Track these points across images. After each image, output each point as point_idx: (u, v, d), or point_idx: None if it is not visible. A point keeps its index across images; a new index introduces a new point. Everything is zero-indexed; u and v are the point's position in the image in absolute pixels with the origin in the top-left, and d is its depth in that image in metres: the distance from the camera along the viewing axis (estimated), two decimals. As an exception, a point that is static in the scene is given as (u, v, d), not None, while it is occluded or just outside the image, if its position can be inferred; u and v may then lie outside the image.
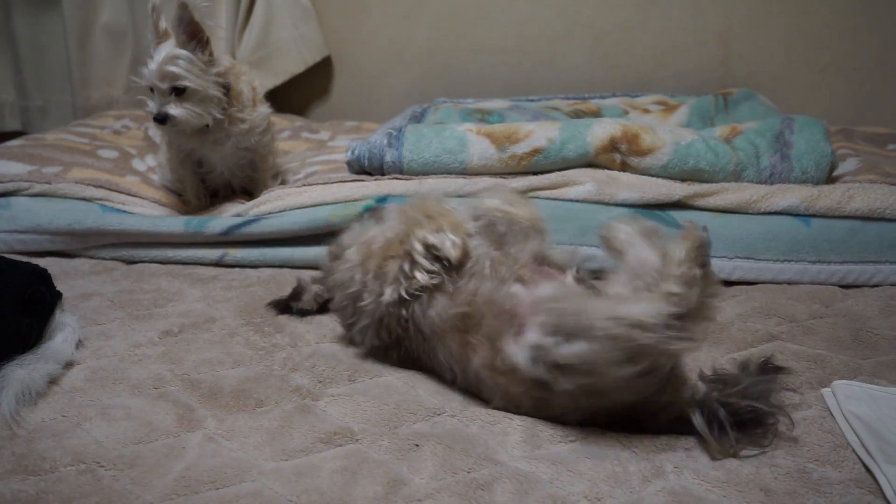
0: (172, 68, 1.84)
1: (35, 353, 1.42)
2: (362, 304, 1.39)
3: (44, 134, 2.53)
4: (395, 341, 1.39)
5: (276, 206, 1.93)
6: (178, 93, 1.86)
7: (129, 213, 1.99)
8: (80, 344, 1.51)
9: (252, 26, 2.95)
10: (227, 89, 1.94)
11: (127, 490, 1.10)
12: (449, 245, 1.31)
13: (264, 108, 2.07)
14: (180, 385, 1.37)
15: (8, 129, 3.26)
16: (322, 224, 1.86)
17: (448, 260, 1.31)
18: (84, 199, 2.01)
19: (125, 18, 3.05)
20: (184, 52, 1.85)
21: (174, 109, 1.85)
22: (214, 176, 2.14)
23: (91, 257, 1.99)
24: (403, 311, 1.34)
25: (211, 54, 1.90)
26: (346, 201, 1.89)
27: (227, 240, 1.92)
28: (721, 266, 1.77)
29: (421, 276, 1.31)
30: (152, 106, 1.88)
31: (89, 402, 1.32)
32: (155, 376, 1.40)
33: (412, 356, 1.39)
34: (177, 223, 1.93)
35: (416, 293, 1.32)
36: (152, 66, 1.85)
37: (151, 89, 1.89)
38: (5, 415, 1.26)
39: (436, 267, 1.31)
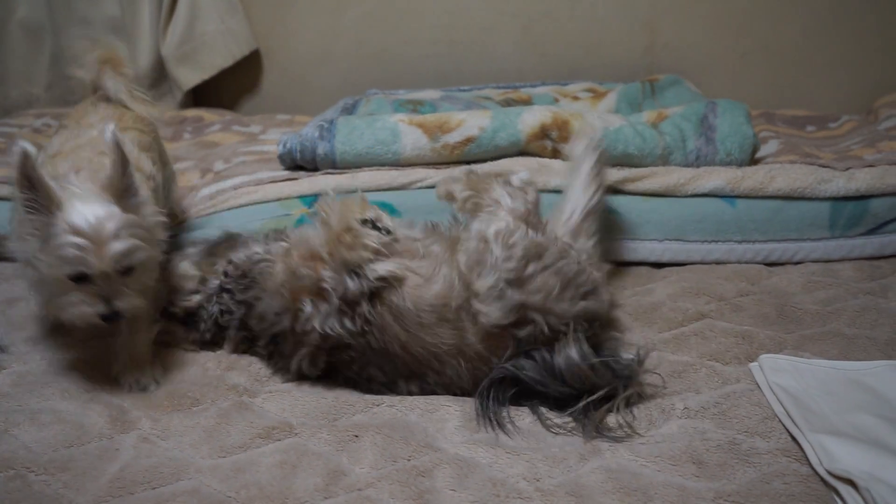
0: (121, 246, 1.22)
1: (-42, 361, 1.37)
2: (300, 323, 1.32)
3: (-41, 134, 2.44)
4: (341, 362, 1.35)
5: (205, 209, 1.89)
6: (128, 272, 1.26)
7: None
8: (5, 349, 1.46)
9: (176, 20, 2.88)
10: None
11: (59, 494, 1.08)
12: (385, 216, 1.38)
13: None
14: (112, 388, 1.34)
15: (-79, 130, 3.12)
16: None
17: (386, 229, 1.36)
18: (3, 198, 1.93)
19: (42, 14, 2.94)
20: (127, 217, 1.25)
21: (126, 301, 1.26)
22: None
23: (15, 260, 1.92)
24: (366, 307, 1.30)
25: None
26: (277, 199, 1.87)
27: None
28: (652, 248, 1.81)
29: (370, 240, 1.32)
30: (90, 306, 1.25)
31: (17, 407, 1.29)
32: (85, 380, 1.36)
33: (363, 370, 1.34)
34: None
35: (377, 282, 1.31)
36: (88, 250, 1.20)
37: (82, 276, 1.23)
38: (-73, 425, 1.21)
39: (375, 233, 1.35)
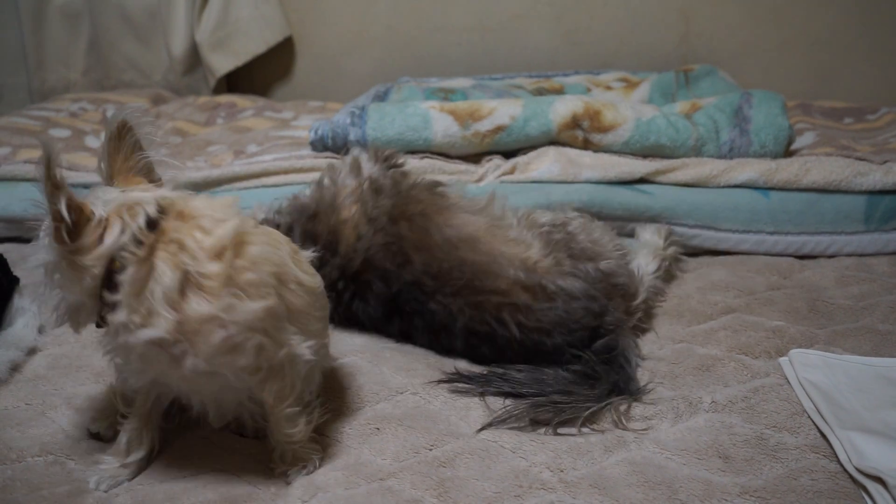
0: None
1: (-5, 341, 1.40)
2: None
3: (-3, 118, 2.48)
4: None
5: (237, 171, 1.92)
6: None
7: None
8: (41, 329, 1.49)
9: (211, 7, 2.90)
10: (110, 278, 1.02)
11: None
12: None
13: (208, 307, 0.99)
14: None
15: (-38, 113, 3.19)
16: None
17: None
18: (34, 179, 1.95)
19: (80, 0, 2.99)
20: None
21: None
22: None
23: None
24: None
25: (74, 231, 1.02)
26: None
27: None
28: (682, 232, 1.80)
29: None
30: None
31: (53, 390, 1.31)
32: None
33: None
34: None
35: None
36: None
37: None
38: (-34, 404, 1.24)
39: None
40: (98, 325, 1.06)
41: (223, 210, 1.05)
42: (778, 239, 1.79)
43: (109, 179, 1.08)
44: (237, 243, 1.01)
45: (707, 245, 1.81)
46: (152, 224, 1.01)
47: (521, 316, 1.32)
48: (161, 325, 0.98)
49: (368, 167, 1.52)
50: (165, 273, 0.98)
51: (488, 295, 1.34)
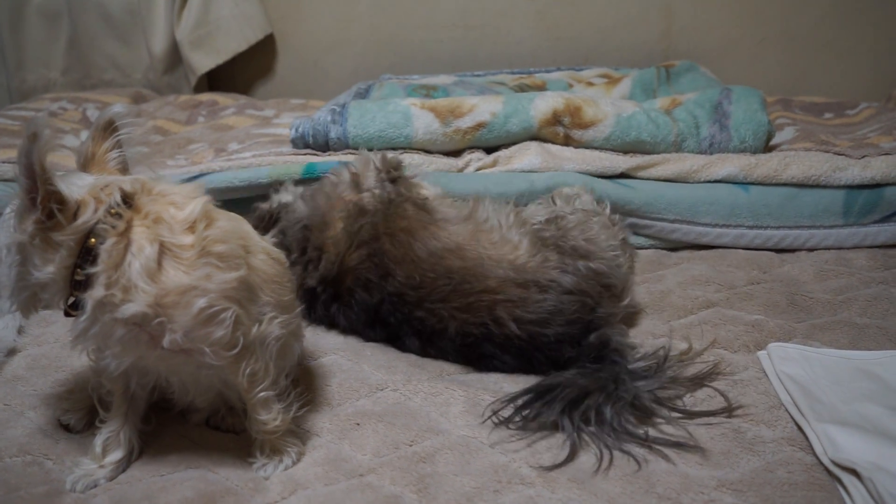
0: None
1: (-27, 343, 1.40)
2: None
3: (-24, 118, 2.46)
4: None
5: (214, 167, 1.91)
6: None
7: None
8: (20, 330, 1.48)
9: (191, 5, 2.88)
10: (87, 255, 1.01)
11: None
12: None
13: (185, 277, 1.01)
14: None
15: (-59, 113, 3.16)
16: (264, 180, 1.82)
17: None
18: (10, 180, 1.94)
19: (60, -1, 2.97)
20: None
21: None
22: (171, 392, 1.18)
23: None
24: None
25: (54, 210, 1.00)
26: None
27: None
28: (661, 227, 1.81)
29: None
30: None
31: (32, 391, 1.31)
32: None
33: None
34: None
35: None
36: None
37: None
38: (-57, 405, 1.23)
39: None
40: (67, 314, 1.05)
41: (191, 191, 1.08)
42: (758, 233, 1.80)
43: (84, 167, 1.10)
44: (206, 218, 1.05)
45: (687, 239, 1.82)
46: (127, 201, 1.03)
47: (518, 309, 1.31)
48: (141, 299, 0.99)
49: (370, 180, 1.52)
50: (143, 245, 1.00)
51: (479, 295, 1.33)
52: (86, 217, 1.00)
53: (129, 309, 0.99)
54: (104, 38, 3.01)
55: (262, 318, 1.09)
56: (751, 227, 1.80)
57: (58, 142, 1.07)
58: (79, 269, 1.01)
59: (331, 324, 1.49)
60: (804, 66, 2.75)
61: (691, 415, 1.20)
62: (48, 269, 1.01)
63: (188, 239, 1.02)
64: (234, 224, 1.11)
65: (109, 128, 1.11)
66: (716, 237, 1.81)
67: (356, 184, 1.52)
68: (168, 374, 1.10)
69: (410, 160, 1.92)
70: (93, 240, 1.00)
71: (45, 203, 0.98)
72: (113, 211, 1.01)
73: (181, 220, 1.03)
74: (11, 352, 1.42)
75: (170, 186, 1.08)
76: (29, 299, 1.07)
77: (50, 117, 2.45)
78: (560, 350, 1.31)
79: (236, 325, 1.03)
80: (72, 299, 1.03)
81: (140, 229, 1.01)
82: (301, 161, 1.88)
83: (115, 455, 1.11)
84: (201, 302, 1.00)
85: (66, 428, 1.21)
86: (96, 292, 1.00)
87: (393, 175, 1.53)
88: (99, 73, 3.07)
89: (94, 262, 1.00)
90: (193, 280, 1.01)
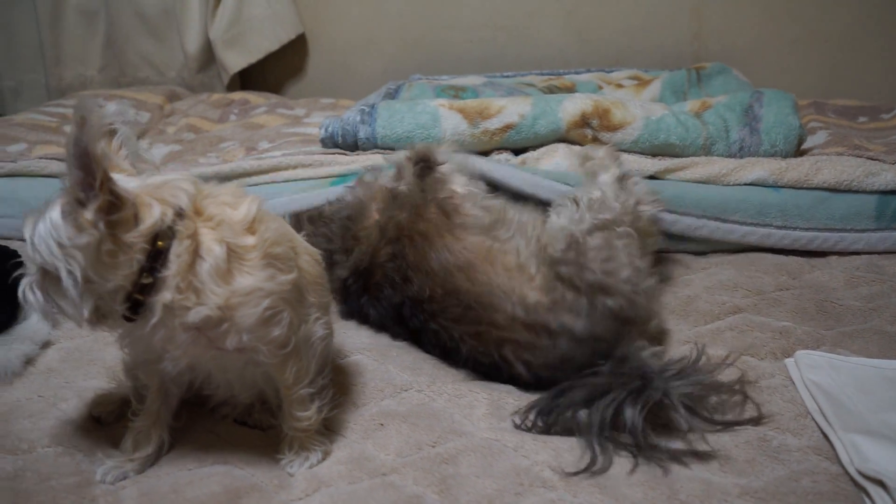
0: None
1: (10, 334, 1.43)
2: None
3: (13, 115, 2.51)
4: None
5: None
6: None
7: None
8: (56, 325, 1.51)
9: (224, 4, 2.92)
10: (156, 258, 0.99)
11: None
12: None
13: (252, 279, 1.02)
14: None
15: (-20, 109, 3.23)
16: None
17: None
18: (49, 175, 1.97)
19: (97, -3, 3.03)
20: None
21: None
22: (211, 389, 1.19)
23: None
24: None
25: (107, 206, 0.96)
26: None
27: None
28: (688, 223, 1.78)
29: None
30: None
31: (64, 383, 1.34)
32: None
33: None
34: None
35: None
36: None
37: None
38: (-21, 395, 1.27)
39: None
40: (128, 318, 1.02)
41: (235, 190, 1.08)
42: (786, 233, 1.78)
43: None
44: (261, 219, 1.05)
45: (714, 237, 1.79)
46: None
47: (526, 354, 1.28)
48: (212, 301, 0.99)
49: (408, 172, 1.51)
50: (212, 247, 1.00)
51: (488, 327, 1.30)
52: (154, 218, 0.98)
53: (201, 312, 0.99)
54: (140, 36, 3.06)
55: (308, 319, 1.11)
56: (779, 228, 1.78)
57: (107, 127, 1.00)
58: (146, 273, 0.98)
59: (362, 316, 1.51)
60: (838, 69, 2.72)
61: (723, 424, 1.18)
62: (120, 273, 0.98)
63: (251, 240, 1.02)
64: (282, 224, 1.12)
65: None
66: (742, 235, 1.79)
67: (398, 175, 1.52)
68: (216, 371, 1.11)
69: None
70: (161, 242, 0.98)
71: (102, 188, 0.93)
72: (180, 213, 1.00)
73: (239, 221, 1.02)
74: (46, 344, 1.46)
75: (213, 186, 1.08)
76: (94, 311, 1.01)
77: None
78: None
79: (290, 323, 1.05)
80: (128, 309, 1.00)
81: (205, 230, 1.01)
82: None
83: (146, 450, 1.13)
84: (266, 303, 1.01)
85: (98, 421, 1.23)
86: (165, 296, 0.98)
87: (423, 167, 1.50)
88: (134, 70, 3.12)
89: (164, 264, 0.98)
90: (258, 282, 1.01)
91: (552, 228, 1.41)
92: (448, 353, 1.37)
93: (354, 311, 1.53)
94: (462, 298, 1.32)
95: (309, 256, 1.17)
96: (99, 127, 0.93)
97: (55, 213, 0.96)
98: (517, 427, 1.19)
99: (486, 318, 1.30)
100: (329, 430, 1.18)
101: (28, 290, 1.03)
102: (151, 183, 1.02)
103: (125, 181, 1.00)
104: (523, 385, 1.30)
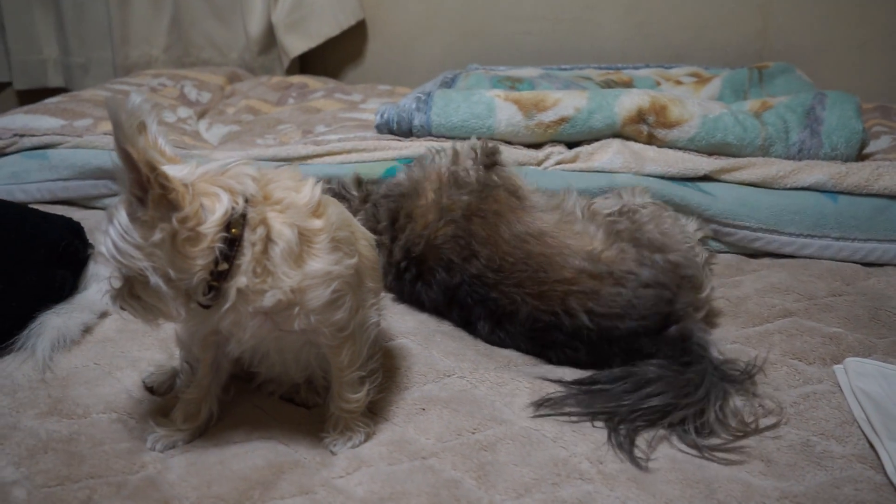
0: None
1: (70, 304, 1.48)
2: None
3: (81, 91, 2.59)
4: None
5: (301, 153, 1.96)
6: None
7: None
8: (114, 295, 1.56)
9: (287, -11, 2.97)
10: (231, 245, 1.01)
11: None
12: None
13: (321, 262, 1.04)
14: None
15: (51, 84, 3.33)
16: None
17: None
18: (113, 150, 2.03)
19: (165, -22, 3.10)
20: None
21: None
22: (264, 367, 1.22)
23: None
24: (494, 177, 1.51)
25: (163, 199, 0.97)
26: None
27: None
28: (743, 235, 1.78)
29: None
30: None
31: (120, 352, 1.38)
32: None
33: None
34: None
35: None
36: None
37: None
38: (40, 360, 1.32)
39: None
40: (203, 304, 1.03)
41: (293, 173, 1.09)
42: (844, 245, 1.75)
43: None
44: (324, 203, 1.06)
45: (769, 248, 1.78)
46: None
47: (591, 302, 1.32)
48: (285, 284, 1.01)
49: (467, 161, 1.56)
50: (283, 231, 1.01)
51: (553, 285, 1.34)
52: (225, 207, 0.98)
53: (275, 296, 1.01)
54: (204, 18, 3.13)
55: (364, 304, 1.13)
56: (837, 239, 1.75)
57: (142, 118, 0.97)
58: (221, 261, 0.99)
59: (417, 302, 1.53)
60: (907, 73, 2.64)
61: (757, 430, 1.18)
62: (199, 262, 0.98)
63: (318, 223, 1.03)
64: (341, 208, 1.14)
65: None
66: (799, 247, 1.76)
67: (454, 160, 1.56)
68: (274, 351, 1.13)
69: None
70: (234, 229, 0.99)
71: (150, 182, 0.93)
72: (249, 199, 1.01)
73: (305, 204, 1.03)
74: (103, 315, 1.50)
75: (272, 170, 1.09)
76: (185, 305, 1.03)
77: (150, 93, 2.56)
78: (637, 342, 1.31)
79: (350, 308, 1.07)
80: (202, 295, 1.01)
81: (273, 214, 1.02)
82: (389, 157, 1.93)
83: (195, 421, 1.17)
84: (334, 286, 1.03)
85: (150, 390, 1.27)
86: (241, 280, 1.00)
87: (488, 161, 1.55)
88: (197, 51, 3.19)
89: (239, 251, 0.99)
90: (328, 265, 1.03)
91: (601, 201, 1.54)
92: (502, 321, 1.40)
93: (407, 296, 1.55)
94: (530, 263, 1.37)
95: (366, 241, 1.19)
96: (130, 124, 0.93)
97: (122, 217, 0.98)
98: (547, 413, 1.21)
99: (554, 276, 1.35)
100: (372, 412, 1.20)
101: (121, 303, 1.05)
102: (212, 170, 1.03)
103: (177, 170, 1.00)
104: (583, 340, 1.33)
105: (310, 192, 1.05)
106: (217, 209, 0.99)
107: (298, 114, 2.51)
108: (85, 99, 2.39)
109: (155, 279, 0.98)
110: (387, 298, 1.53)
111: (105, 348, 1.39)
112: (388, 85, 2.89)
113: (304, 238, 1.03)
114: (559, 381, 1.27)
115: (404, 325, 1.48)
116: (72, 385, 1.27)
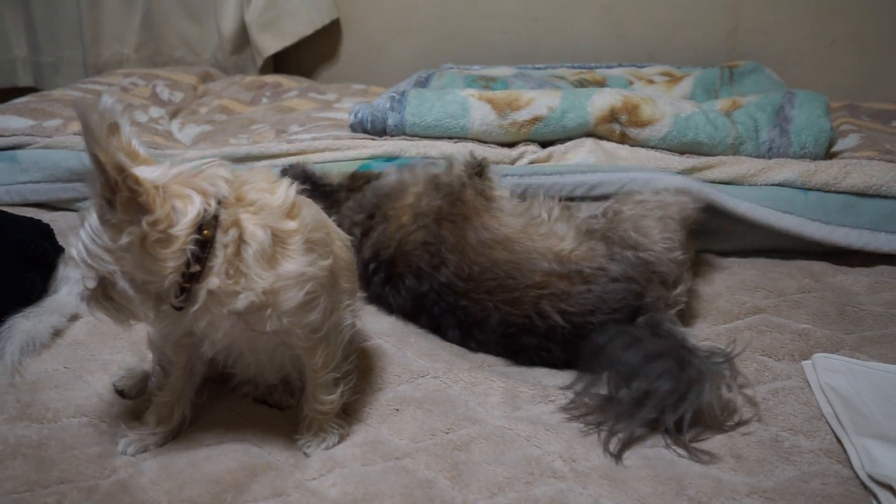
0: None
1: (40, 307, 1.46)
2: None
3: (52, 91, 2.56)
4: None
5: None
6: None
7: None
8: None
9: (261, -13, 2.96)
10: (203, 247, 1.00)
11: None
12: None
13: (295, 264, 1.03)
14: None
15: (21, 84, 3.29)
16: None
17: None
18: (83, 151, 2.00)
19: (137, -23, 3.07)
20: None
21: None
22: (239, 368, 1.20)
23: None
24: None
25: (132, 202, 0.96)
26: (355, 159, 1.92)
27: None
28: (725, 199, 1.76)
29: None
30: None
31: (90, 356, 1.37)
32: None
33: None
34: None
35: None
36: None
37: None
38: (9, 364, 1.31)
39: None
40: (176, 307, 1.02)
41: (266, 174, 1.09)
42: (820, 226, 1.75)
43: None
44: (298, 203, 1.06)
45: (754, 216, 1.75)
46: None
47: (562, 303, 1.33)
48: (258, 286, 1.00)
49: (457, 168, 1.57)
50: (256, 232, 1.01)
51: (524, 291, 1.35)
52: (197, 209, 0.98)
53: (247, 298, 1.00)
54: (177, 17, 3.10)
55: (339, 305, 1.13)
56: (812, 220, 1.75)
57: (116, 119, 0.96)
58: (192, 262, 0.98)
59: (385, 304, 1.53)
60: (875, 71, 2.68)
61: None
62: (170, 265, 0.98)
63: (292, 224, 1.03)
64: (317, 209, 1.14)
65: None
66: (777, 219, 1.75)
67: (448, 169, 1.57)
68: (248, 352, 1.13)
69: (464, 147, 1.93)
70: (206, 231, 0.99)
71: (118, 185, 0.92)
72: (222, 201, 1.00)
73: (279, 206, 1.03)
74: (74, 317, 1.49)
75: (246, 171, 1.09)
76: (155, 307, 1.03)
77: (121, 92, 2.54)
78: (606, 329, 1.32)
79: (324, 310, 1.07)
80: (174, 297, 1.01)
81: (246, 216, 1.01)
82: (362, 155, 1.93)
83: (168, 424, 1.16)
84: (308, 287, 1.03)
85: (121, 394, 1.26)
86: (212, 282, 0.99)
87: (472, 172, 1.57)
88: (170, 50, 3.17)
89: (211, 253, 0.99)
90: (301, 266, 1.02)
91: (591, 204, 1.59)
92: (472, 330, 1.40)
93: (375, 298, 1.55)
94: (498, 271, 1.37)
95: (341, 242, 1.19)
96: (100, 126, 0.92)
97: (93, 220, 0.97)
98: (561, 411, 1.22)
99: (523, 282, 1.35)
100: (346, 413, 1.20)
101: (94, 304, 1.04)
102: (185, 171, 1.02)
103: (148, 171, 0.99)
104: (557, 340, 1.33)
105: (284, 193, 1.05)
106: (189, 211, 0.98)
107: (272, 113, 2.50)
108: (55, 99, 2.36)
109: (122, 283, 0.98)
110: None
111: (75, 352, 1.38)
112: (363, 84, 2.89)
113: (278, 239, 1.02)
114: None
115: (379, 325, 1.48)
116: (41, 389, 1.26)
